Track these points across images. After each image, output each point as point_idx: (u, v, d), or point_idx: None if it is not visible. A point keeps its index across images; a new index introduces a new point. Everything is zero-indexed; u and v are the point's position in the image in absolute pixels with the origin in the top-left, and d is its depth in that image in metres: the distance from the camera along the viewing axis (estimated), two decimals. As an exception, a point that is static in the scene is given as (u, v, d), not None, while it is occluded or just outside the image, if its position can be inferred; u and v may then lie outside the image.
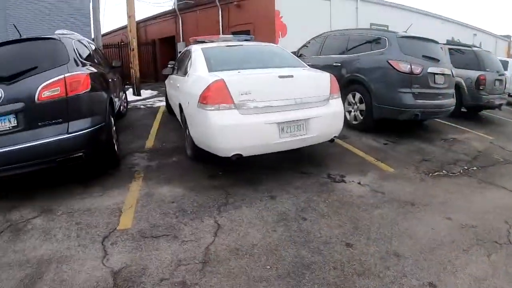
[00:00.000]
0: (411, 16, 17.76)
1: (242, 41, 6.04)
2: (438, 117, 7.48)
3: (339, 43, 7.72)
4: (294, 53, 7.54)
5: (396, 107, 6.05)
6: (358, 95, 6.61)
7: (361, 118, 6.60)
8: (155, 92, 13.37)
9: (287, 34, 14.08)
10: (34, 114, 3.79)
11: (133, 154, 5.41)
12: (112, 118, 5.02)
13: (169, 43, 20.04)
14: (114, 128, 5.00)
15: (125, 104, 8.99)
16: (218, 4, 15.96)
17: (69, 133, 3.84)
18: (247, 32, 13.80)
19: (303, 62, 5.33)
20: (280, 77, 4.19)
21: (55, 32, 4.80)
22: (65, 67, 4.02)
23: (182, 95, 5.07)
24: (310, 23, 13.94)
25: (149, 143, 6.04)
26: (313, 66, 5.96)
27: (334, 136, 4.62)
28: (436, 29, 18.99)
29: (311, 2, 14.73)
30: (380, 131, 6.56)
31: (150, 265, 2.70)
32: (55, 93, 3.82)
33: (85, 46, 5.59)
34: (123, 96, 8.72)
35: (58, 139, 3.79)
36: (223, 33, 15.53)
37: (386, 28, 15.19)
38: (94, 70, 4.77)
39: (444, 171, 4.83)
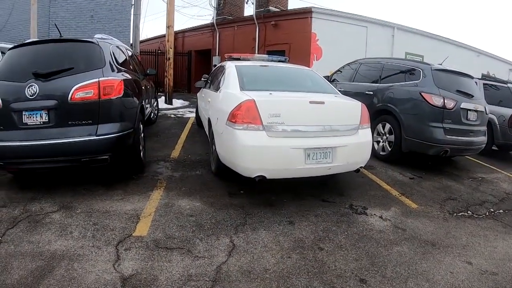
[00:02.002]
0: (446, 47, 17.58)
1: (276, 61, 6.07)
2: (468, 154, 7.29)
3: (373, 72, 7.65)
4: (326, 77, 7.54)
5: (425, 141, 5.93)
6: (388, 126, 6.52)
7: (389, 149, 6.49)
8: (186, 103, 13.57)
9: (321, 58, 14.07)
10: (65, 113, 3.92)
11: (158, 162, 5.49)
12: (141, 125, 5.12)
13: (205, 55, 20.37)
14: (142, 135, 5.09)
15: (156, 112, 9.16)
16: (256, 22, 16.18)
17: (97, 135, 3.96)
18: (282, 52, 13.91)
19: (335, 89, 5.29)
20: (311, 102, 4.16)
21: (94, 36, 4.95)
22: (101, 71, 4.15)
23: (212, 110, 5.11)
24: (345, 48, 13.94)
25: (175, 153, 6.12)
26: (345, 92, 5.93)
27: (360, 167, 4.55)
28: (471, 61, 18.75)
29: (348, 26, 14.74)
30: (407, 164, 6.43)
31: (161, 276, 2.69)
32: (88, 95, 3.95)
33: (122, 52, 5.74)
34: (155, 104, 8.91)
35: (86, 139, 3.91)
36: (258, 51, 15.69)
37: (421, 58, 15.01)
38: (128, 76, 4.89)
39: (469, 212, 4.66)
